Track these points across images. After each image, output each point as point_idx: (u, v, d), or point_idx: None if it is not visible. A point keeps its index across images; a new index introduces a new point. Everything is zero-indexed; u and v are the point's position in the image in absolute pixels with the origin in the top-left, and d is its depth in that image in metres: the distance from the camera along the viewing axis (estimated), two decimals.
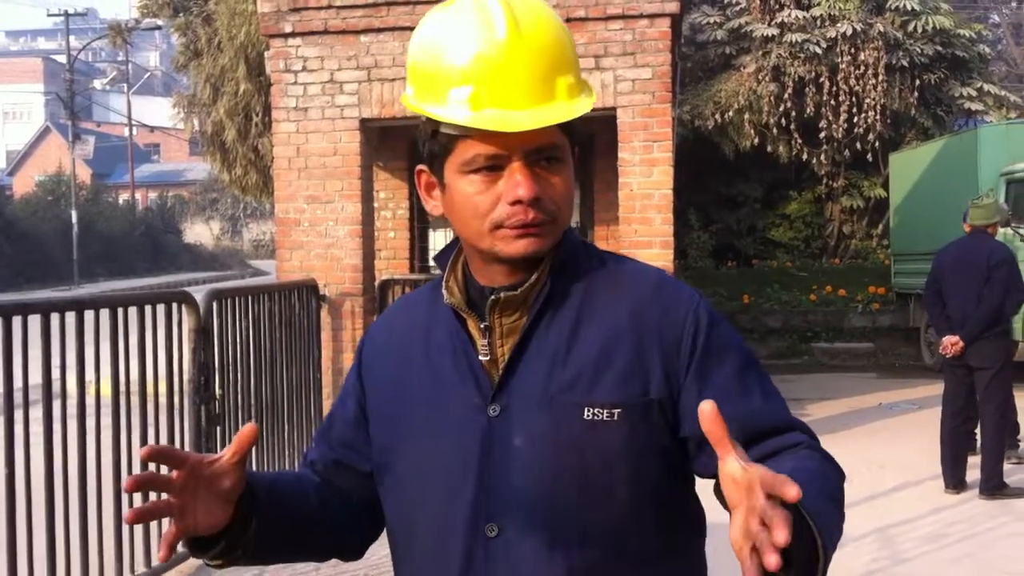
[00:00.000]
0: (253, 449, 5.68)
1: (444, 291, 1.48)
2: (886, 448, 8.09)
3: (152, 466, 1.35)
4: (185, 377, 5.62)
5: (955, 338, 6.91)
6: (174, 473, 1.27)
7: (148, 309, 5.22)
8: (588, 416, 1.37)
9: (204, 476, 1.29)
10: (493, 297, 1.42)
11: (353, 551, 1.62)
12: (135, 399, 5.12)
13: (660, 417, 1.39)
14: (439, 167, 1.42)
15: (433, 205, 1.48)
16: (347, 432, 1.57)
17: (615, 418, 1.37)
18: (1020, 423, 7.92)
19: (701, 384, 1.39)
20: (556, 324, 1.42)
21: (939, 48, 16.20)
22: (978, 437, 7.19)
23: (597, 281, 1.46)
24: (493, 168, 1.37)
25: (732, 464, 1.11)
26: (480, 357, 1.43)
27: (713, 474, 1.26)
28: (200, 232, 51.28)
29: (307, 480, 1.56)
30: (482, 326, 1.43)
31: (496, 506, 1.38)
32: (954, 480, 6.96)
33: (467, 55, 1.35)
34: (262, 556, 1.47)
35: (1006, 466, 7.12)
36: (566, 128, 1.41)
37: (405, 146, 10.01)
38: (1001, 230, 7.41)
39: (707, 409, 1.11)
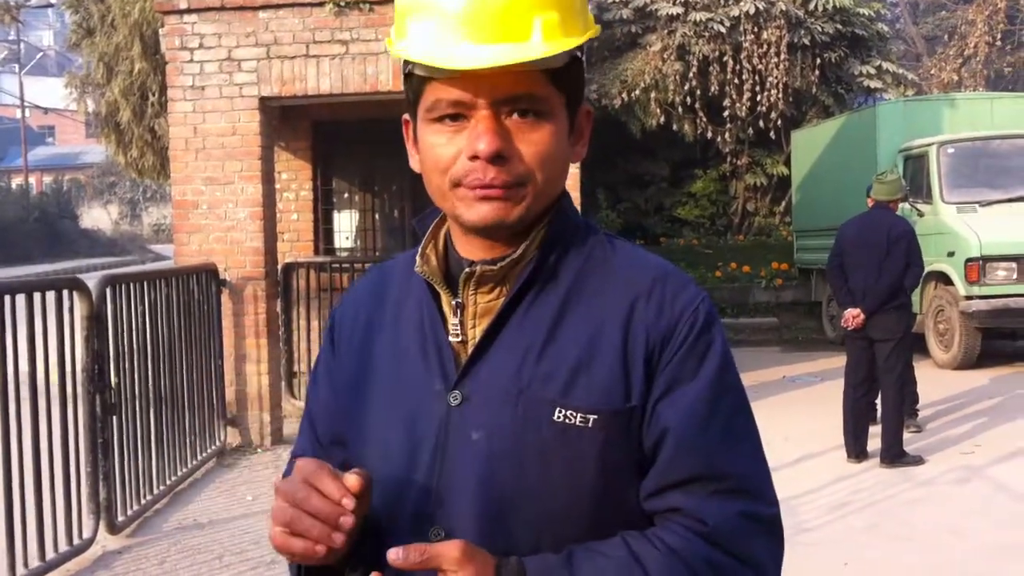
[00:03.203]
0: (152, 439, 5.44)
1: (418, 259, 1.31)
2: (789, 420, 8.22)
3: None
4: (79, 366, 5.43)
5: (856, 311, 7.04)
6: (348, 502, 1.13)
7: (37, 296, 5.01)
8: (558, 417, 1.20)
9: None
10: (468, 270, 1.26)
11: None
12: (24, 390, 4.91)
13: (638, 427, 1.22)
14: (414, 115, 1.27)
15: (414, 161, 1.31)
16: (331, 423, 1.39)
17: (589, 425, 1.20)
18: (919, 393, 8.13)
19: (667, 392, 1.22)
20: (537, 309, 1.25)
21: (839, 27, 16.48)
22: (879, 407, 7.36)
23: (591, 265, 1.28)
24: (458, 117, 1.20)
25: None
26: (450, 338, 1.27)
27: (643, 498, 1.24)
28: (98, 217, 49.81)
29: None
30: (454, 303, 1.27)
31: (443, 507, 1.23)
32: (856, 449, 7.11)
33: None
34: None
35: (906, 435, 7.30)
36: (560, 80, 1.22)
37: (308, 125, 9.82)
38: (900, 205, 7.56)
39: (393, 558, 1.10)
